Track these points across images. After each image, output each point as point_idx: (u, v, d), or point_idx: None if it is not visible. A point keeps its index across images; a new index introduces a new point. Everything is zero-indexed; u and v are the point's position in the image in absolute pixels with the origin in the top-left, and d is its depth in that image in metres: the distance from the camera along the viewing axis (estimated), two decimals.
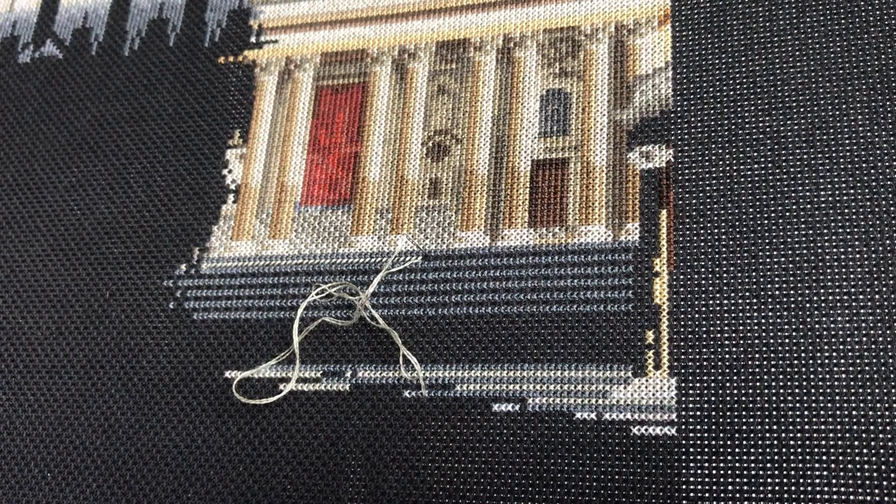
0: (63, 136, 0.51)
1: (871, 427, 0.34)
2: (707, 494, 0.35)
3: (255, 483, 0.40)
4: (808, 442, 0.35)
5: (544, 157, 0.43)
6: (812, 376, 0.36)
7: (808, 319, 0.36)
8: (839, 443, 0.35)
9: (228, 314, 0.44)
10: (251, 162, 0.47)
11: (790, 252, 0.38)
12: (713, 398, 0.36)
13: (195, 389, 0.42)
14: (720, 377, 0.36)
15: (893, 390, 0.35)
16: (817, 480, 0.34)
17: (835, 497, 0.34)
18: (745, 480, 0.35)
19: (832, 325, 0.36)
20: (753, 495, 0.35)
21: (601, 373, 0.38)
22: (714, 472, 0.35)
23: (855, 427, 0.35)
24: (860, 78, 0.39)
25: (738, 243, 0.38)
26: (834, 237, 0.37)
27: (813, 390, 0.35)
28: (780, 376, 0.36)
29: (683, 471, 0.36)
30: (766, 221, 0.38)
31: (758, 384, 0.36)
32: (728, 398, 0.36)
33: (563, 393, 0.38)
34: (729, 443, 0.36)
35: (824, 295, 0.37)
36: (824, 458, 0.34)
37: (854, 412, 0.35)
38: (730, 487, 0.35)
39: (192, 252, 0.46)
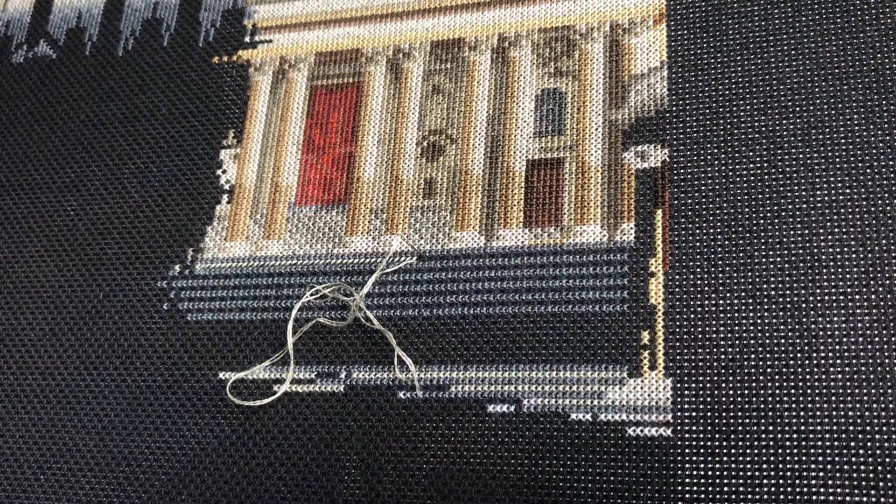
0: (57, 137, 0.51)
1: (867, 427, 0.34)
2: (703, 495, 0.35)
3: (250, 485, 0.40)
4: (804, 442, 0.35)
5: (539, 156, 0.42)
6: (808, 377, 0.36)
7: (804, 319, 0.36)
8: (835, 443, 0.34)
9: (222, 315, 0.43)
10: (245, 162, 0.47)
11: (786, 252, 0.37)
12: (709, 399, 0.36)
13: (189, 391, 0.42)
14: (716, 378, 0.36)
15: (889, 391, 0.35)
16: (813, 481, 0.34)
17: (831, 497, 0.34)
18: (740, 481, 0.35)
19: (828, 326, 0.36)
20: (749, 496, 0.35)
21: (596, 373, 0.38)
22: (710, 472, 0.35)
23: (851, 427, 0.34)
24: (856, 77, 0.39)
25: (734, 243, 0.38)
26: (830, 237, 0.37)
27: (809, 390, 0.35)
28: (776, 376, 0.36)
29: (679, 472, 0.36)
30: (761, 221, 0.38)
31: (753, 384, 0.36)
32: (724, 399, 0.36)
33: (559, 394, 0.38)
34: (724, 443, 0.35)
35: (820, 295, 0.37)
36: (820, 458, 0.34)
37: (850, 412, 0.35)
38: (725, 488, 0.35)
39: (187, 253, 0.46)
